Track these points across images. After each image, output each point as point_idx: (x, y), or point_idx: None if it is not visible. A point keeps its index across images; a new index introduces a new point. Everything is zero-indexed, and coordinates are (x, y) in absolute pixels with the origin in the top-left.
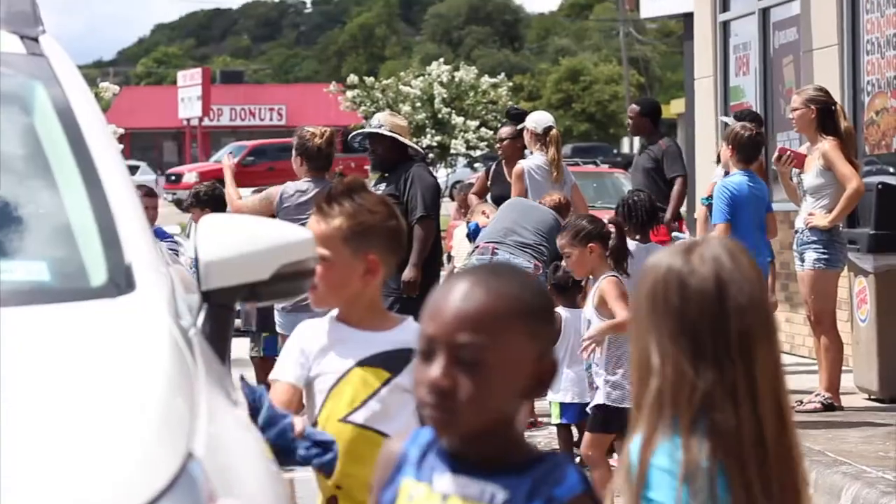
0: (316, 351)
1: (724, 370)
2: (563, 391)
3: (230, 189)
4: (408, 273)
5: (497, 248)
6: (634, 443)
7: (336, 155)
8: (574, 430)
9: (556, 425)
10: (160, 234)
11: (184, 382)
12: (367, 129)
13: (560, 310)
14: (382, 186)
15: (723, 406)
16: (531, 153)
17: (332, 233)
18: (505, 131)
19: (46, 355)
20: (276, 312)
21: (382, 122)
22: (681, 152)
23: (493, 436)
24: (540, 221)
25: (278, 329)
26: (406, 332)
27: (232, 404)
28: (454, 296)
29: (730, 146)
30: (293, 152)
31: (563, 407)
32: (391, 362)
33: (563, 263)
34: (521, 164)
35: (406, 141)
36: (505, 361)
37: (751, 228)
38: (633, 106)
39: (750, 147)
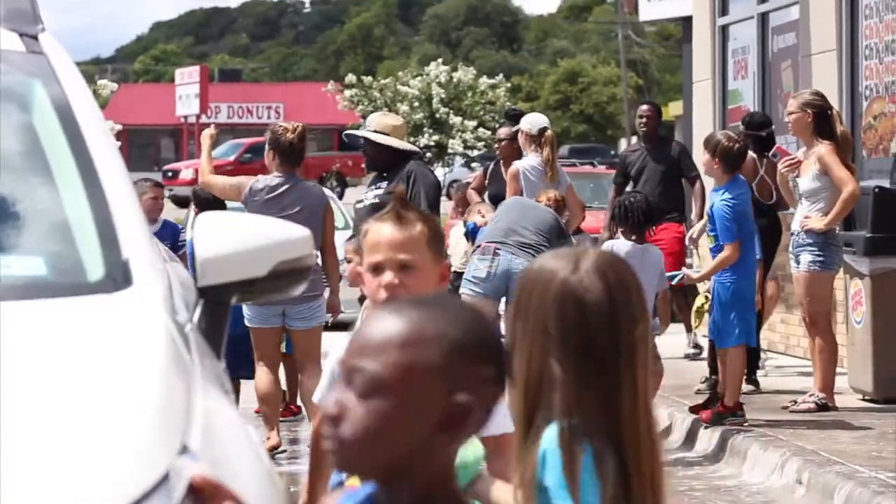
0: None
1: (618, 377)
2: None
3: (205, 160)
4: None
5: (499, 249)
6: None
7: (333, 153)
8: None
9: None
10: (172, 229)
11: (179, 377)
12: (356, 133)
13: None
14: (384, 185)
15: (615, 410)
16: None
17: (419, 237)
18: (503, 132)
19: (43, 350)
20: (244, 305)
21: (372, 124)
22: None
23: (407, 479)
24: (540, 221)
25: (246, 322)
26: None
27: (227, 400)
28: (369, 322)
29: (715, 158)
30: (266, 146)
31: None
32: None
33: None
34: (517, 165)
35: (396, 143)
36: (399, 394)
37: (753, 232)
38: (649, 107)
39: (736, 158)
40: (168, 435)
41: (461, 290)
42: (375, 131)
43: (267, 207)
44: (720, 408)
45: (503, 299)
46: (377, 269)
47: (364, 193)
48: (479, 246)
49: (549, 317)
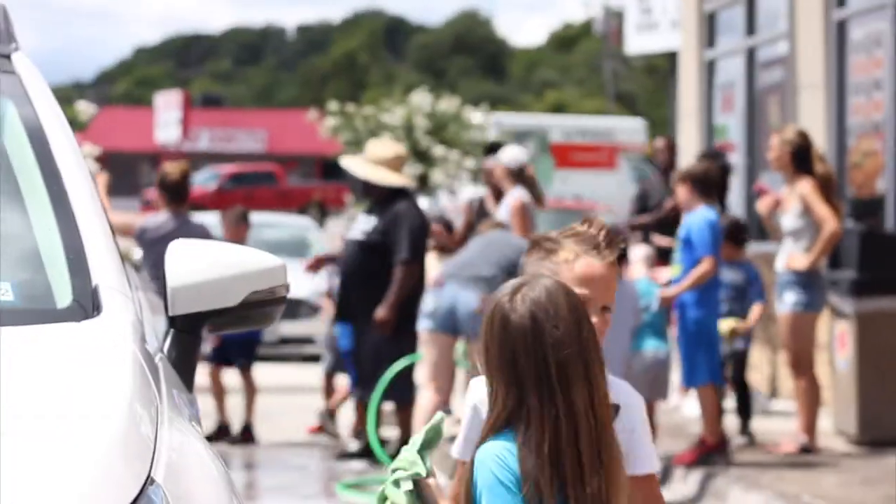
0: None
1: (543, 393)
2: None
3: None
4: (381, 312)
5: (447, 281)
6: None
7: (315, 182)
8: None
9: None
10: None
11: (147, 409)
12: (348, 167)
13: None
14: (373, 219)
15: (544, 423)
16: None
17: (614, 275)
18: (493, 164)
19: (6, 378)
20: None
21: (368, 154)
22: None
23: None
24: (505, 255)
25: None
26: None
27: (195, 431)
28: None
29: (687, 184)
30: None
31: None
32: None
33: None
34: (520, 199)
35: (383, 179)
36: None
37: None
38: (664, 139)
39: (707, 180)
40: (132, 466)
41: (419, 326)
42: (370, 162)
43: (154, 245)
44: (702, 447)
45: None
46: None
47: (355, 223)
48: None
49: (486, 336)
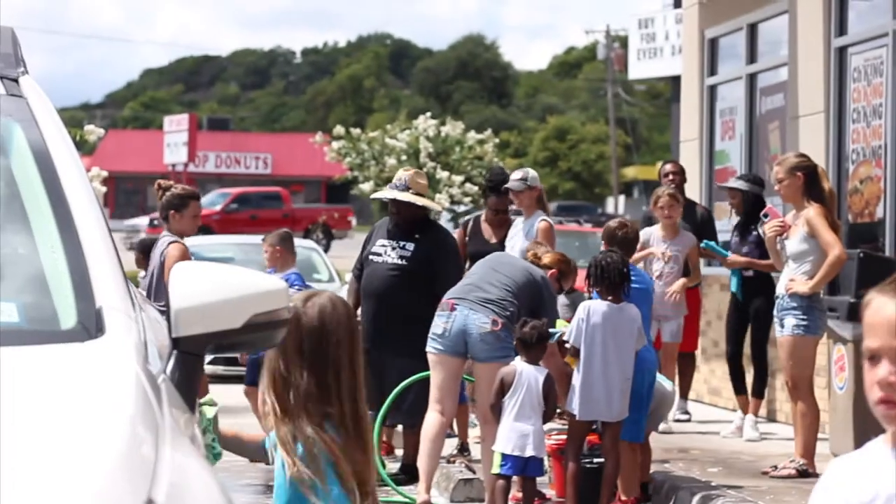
0: None
1: (326, 378)
2: (506, 441)
3: None
4: None
5: (457, 304)
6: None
7: (320, 205)
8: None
9: (495, 475)
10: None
11: (148, 430)
12: (395, 195)
13: (517, 363)
14: (410, 245)
15: (326, 399)
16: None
17: None
18: (493, 202)
19: (10, 398)
20: None
21: (408, 183)
22: None
23: None
24: (511, 277)
25: None
26: None
27: (197, 453)
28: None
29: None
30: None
31: (504, 457)
32: None
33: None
34: (547, 221)
35: (428, 203)
36: None
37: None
38: (673, 165)
39: (626, 244)
40: (132, 488)
41: (427, 348)
42: (416, 193)
43: None
44: (617, 503)
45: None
46: (873, 357)
47: (380, 247)
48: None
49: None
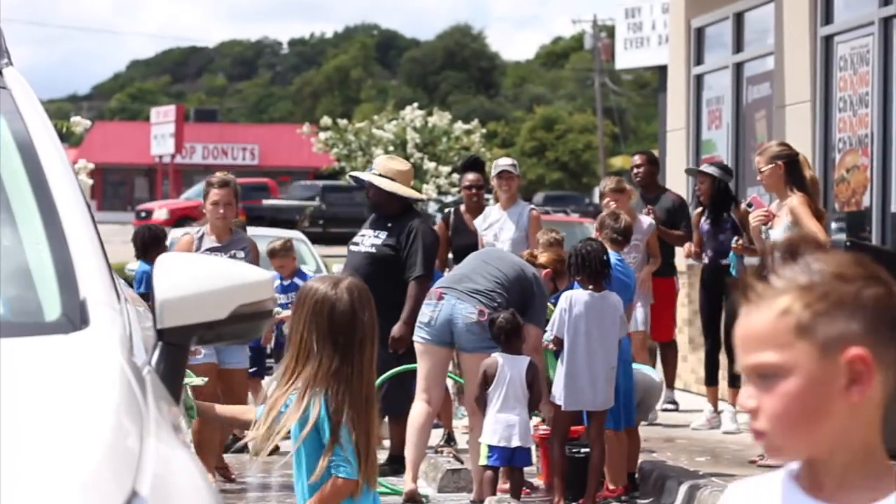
0: None
1: (352, 359)
2: (492, 433)
3: None
4: (397, 329)
5: (444, 293)
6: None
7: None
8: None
9: (483, 467)
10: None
11: (133, 421)
12: (361, 175)
13: (497, 356)
14: (382, 234)
15: (350, 379)
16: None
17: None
18: (474, 177)
19: None
20: None
21: (378, 167)
22: None
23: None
24: (501, 271)
25: None
26: None
27: (182, 445)
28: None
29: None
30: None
31: (491, 449)
32: None
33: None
34: (536, 210)
35: (401, 191)
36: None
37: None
38: (640, 155)
39: (623, 233)
40: (117, 479)
41: (414, 337)
42: (381, 175)
43: None
44: (605, 492)
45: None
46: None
47: (360, 236)
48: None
49: (315, 315)
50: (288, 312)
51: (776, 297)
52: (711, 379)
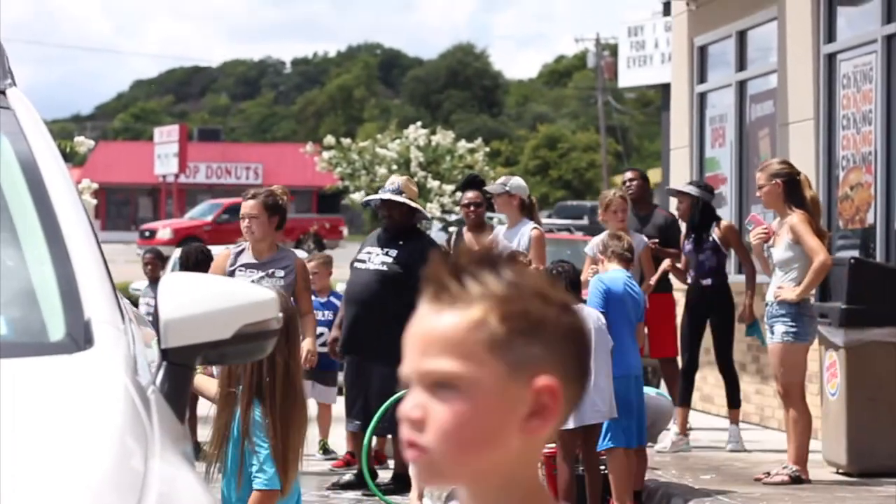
0: None
1: (261, 369)
2: None
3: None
4: None
5: None
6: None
7: (311, 215)
8: None
9: None
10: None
11: (137, 442)
12: (386, 196)
13: None
14: (393, 252)
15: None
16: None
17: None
18: (474, 196)
19: None
20: None
21: (401, 187)
22: None
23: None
24: None
25: None
26: None
27: (187, 464)
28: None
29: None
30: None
31: None
32: None
33: None
34: (538, 229)
35: (419, 207)
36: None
37: (623, 326)
38: (632, 172)
39: (630, 250)
40: (121, 500)
41: None
42: (403, 193)
43: None
44: None
45: None
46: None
47: (366, 254)
48: None
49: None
50: (325, 329)
51: (471, 304)
52: (684, 398)
